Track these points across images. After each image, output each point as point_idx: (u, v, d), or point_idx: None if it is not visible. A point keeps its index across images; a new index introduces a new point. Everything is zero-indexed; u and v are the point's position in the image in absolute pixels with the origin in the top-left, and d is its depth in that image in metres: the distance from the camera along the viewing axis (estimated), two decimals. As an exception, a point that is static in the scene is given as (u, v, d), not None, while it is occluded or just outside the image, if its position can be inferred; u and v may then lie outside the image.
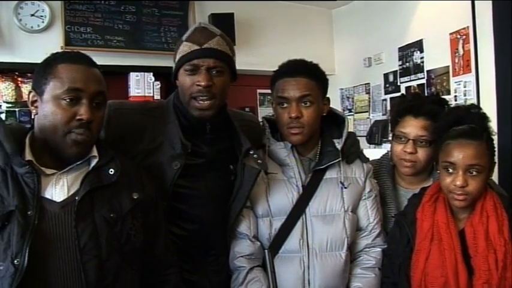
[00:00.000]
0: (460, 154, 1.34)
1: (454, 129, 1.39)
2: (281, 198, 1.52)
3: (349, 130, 1.63)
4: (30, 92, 1.21)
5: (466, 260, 1.32)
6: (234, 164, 1.50)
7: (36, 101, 1.18)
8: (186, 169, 1.41)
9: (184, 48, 1.43)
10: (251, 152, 1.47)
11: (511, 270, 1.27)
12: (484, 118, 1.42)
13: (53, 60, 1.19)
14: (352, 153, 1.59)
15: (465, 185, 1.33)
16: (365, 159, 1.63)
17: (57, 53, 1.24)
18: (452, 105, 1.73)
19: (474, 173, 1.33)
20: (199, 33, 1.44)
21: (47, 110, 1.15)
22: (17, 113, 3.29)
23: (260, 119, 1.70)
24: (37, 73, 1.20)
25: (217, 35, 1.45)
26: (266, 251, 1.40)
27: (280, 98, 1.51)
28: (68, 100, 1.14)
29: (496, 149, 2.92)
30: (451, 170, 1.36)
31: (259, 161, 1.46)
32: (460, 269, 1.31)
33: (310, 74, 1.52)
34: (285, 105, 1.50)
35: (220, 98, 1.45)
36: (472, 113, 1.41)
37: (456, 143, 1.36)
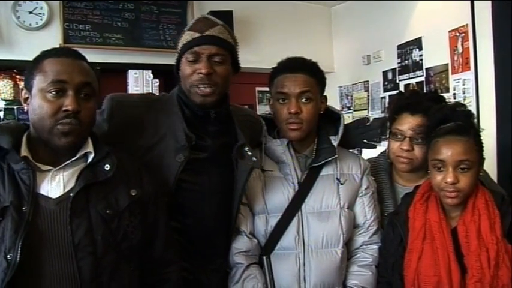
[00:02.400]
0: (448, 151, 1.34)
1: (441, 128, 1.39)
2: (277, 195, 1.52)
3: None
4: (21, 89, 1.22)
5: (458, 259, 1.32)
6: None
7: (28, 97, 1.19)
8: (190, 163, 1.40)
9: (186, 36, 1.44)
10: (246, 149, 1.46)
11: (503, 268, 1.26)
12: (470, 115, 1.42)
13: (41, 57, 1.20)
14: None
15: (456, 181, 1.33)
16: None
17: (46, 50, 1.24)
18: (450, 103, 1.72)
19: (464, 169, 1.33)
20: (201, 23, 1.45)
21: (35, 104, 1.16)
22: (16, 110, 3.29)
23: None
24: (27, 71, 1.21)
25: (219, 24, 1.46)
26: (264, 257, 1.39)
27: (280, 93, 1.51)
28: (53, 92, 1.14)
29: (495, 147, 2.93)
30: (441, 168, 1.36)
31: (253, 158, 1.45)
32: (453, 268, 1.30)
33: (310, 71, 1.53)
34: (285, 100, 1.50)
35: (223, 86, 1.44)
36: (458, 111, 1.42)
37: (444, 140, 1.36)
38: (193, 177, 1.43)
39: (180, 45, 1.46)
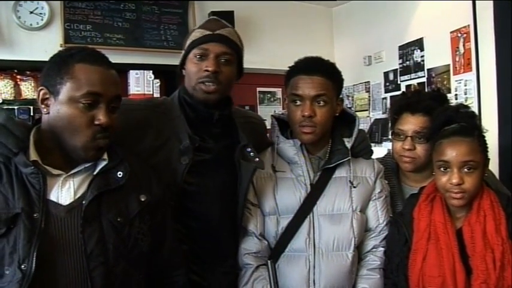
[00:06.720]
0: (453, 152, 1.34)
1: (445, 129, 1.39)
2: (289, 196, 1.50)
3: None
4: (41, 89, 1.14)
5: (463, 260, 1.31)
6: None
7: (47, 98, 1.13)
8: (194, 166, 1.40)
9: (196, 34, 1.45)
10: (248, 149, 1.46)
11: (508, 269, 1.26)
12: (474, 116, 1.42)
13: (69, 58, 1.13)
14: (359, 150, 1.58)
15: (461, 182, 1.32)
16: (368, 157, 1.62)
17: (71, 49, 1.19)
18: (451, 102, 1.73)
19: (469, 169, 1.33)
20: (212, 22, 1.48)
21: (63, 112, 1.11)
22: (16, 110, 3.27)
23: (269, 117, 1.68)
24: (50, 70, 1.14)
25: (229, 27, 1.49)
26: (269, 261, 1.37)
27: (294, 95, 1.48)
28: (85, 104, 1.10)
29: (497, 148, 2.92)
30: (446, 169, 1.36)
31: (256, 158, 1.45)
32: (458, 269, 1.30)
33: (327, 73, 1.49)
34: (299, 102, 1.47)
35: (226, 86, 1.46)
36: (461, 113, 1.41)
37: (448, 141, 1.36)
38: (197, 179, 1.43)
39: (188, 41, 1.47)
